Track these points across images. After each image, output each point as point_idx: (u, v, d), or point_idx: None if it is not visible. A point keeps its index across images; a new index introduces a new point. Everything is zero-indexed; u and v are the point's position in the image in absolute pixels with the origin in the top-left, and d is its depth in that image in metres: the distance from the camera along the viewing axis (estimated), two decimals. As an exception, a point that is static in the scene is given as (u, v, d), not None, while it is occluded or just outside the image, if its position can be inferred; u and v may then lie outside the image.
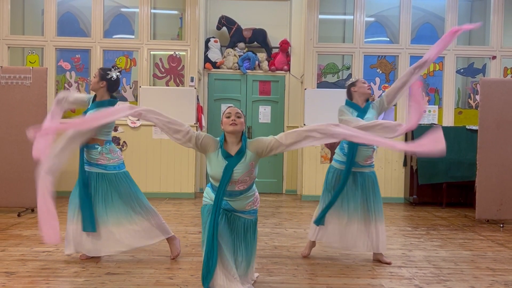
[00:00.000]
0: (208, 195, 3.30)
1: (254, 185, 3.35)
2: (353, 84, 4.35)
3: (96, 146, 4.07)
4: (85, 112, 4.10)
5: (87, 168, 4.12)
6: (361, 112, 4.21)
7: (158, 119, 3.21)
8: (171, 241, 4.24)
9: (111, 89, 4.14)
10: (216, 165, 3.16)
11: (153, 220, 4.13)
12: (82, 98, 4.28)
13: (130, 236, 4.04)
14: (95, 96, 4.18)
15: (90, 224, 3.99)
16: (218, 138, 3.24)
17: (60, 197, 7.43)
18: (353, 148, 4.13)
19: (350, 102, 4.31)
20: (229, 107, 3.26)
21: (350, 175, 4.17)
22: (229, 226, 3.24)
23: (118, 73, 4.16)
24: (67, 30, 8.30)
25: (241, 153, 3.15)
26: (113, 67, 4.17)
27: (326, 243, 4.42)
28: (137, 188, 4.17)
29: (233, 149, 3.18)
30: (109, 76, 4.09)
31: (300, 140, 3.15)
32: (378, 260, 4.26)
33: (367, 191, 4.21)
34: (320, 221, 4.22)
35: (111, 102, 4.09)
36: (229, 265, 3.11)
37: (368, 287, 3.57)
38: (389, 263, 4.19)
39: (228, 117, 3.17)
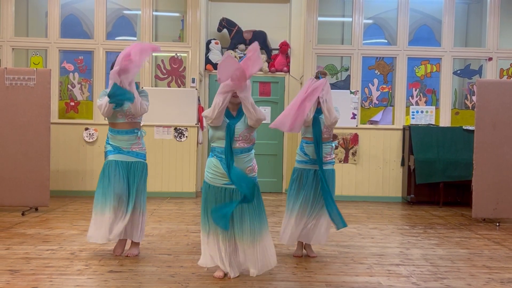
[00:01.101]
0: (211, 164, 3.57)
1: (253, 151, 3.65)
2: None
3: (136, 131, 4.19)
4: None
5: (118, 157, 4.12)
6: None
7: None
8: (135, 245, 4.26)
9: None
10: (220, 125, 3.54)
11: (143, 219, 4.22)
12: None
13: (118, 224, 4.11)
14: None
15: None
16: None
17: (63, 196, 7.44)
18: (318, 146, 4.13)
19: None
20: None
21: (319, 170, 4.13)
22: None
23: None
24: (70, 32, 8.30)
25: (239, 113, 3.59)
26: None
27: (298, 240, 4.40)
28: (146, 183, 4.28)
29: (233, 113, 3.62)
30: None
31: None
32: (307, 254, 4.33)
33: (321, 188, 4.16)
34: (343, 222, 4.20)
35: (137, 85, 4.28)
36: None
37: (366, 285, 3.57)
38: (314, 256, 4.28)
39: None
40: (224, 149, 3.50)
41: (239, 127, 3.54)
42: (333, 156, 4.33)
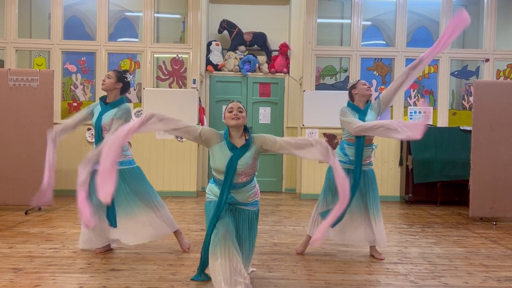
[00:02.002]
0: (212, 191, 3.31)
1: (255, 177, 3.35)
2: (353, 86, 4.34)
3: None
4: (100, 115, 4.13)
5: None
6: (362, 114, 4.19)
7: (165, 126, 3.19)
8: (178, 235, 4.34)
9: (124, 91, 4.27)
10: (220, 157, 3.16)
11: (159, 214, 4.19)
12: (83, 115, 4.23)
13: (141, 228, 4.12)
14: (104, 98, 4.22)
15: (113, 220, 4.06)
16: (221, 132, 3.25)
17: (66, 196, 7.44)
18: (360, 148, 4.11)
19: (351, 104, 4.31)
20: (231, 101, 3.27)
21: (359, 174, 4.12)
22: (234, 220, 3.25)
23: (131, 77, 4.36)
24: (73, 33, 8.30)
25: (247, 146, 3.16)
26: (126, 71, 4.31)
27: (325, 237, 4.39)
28: (147, 182, 4.25)
29: (237, 142, 3.18)
30: (127, 79, 4.24)
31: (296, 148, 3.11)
32: (373, 255, 4.26)
33: (366, 188, 4.19)
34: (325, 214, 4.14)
35: (123, 99, 4.22)
36: (237, 261, 3.05)
37: (365, 283, 3.57)
38: (382, 259, 4.20)
39: (231, 112, 3.18)
40: (221, 182, 3.18)
41: (243, 162, 3.13)
42: (372, 159, 4.28)
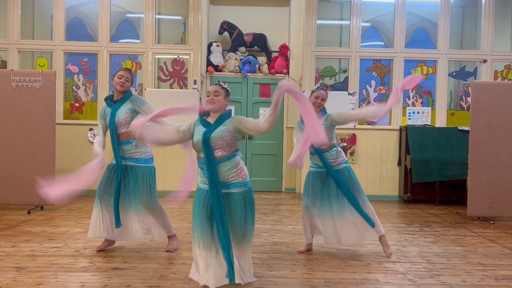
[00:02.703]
0: (199, 177, 3.30)
1: (238, 158, 3.23)
2: (311, 93, 4.27)
3: (131, 141, 4.12)
4: (113, 114, 4.14)
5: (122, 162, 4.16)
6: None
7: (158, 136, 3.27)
8: (171, 238, 4.37)
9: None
10: (197, 134, 3.19)
11: (159, 218, 4.23)
12: (103, 125, 4.26)
13: (138, 227, 4.19)
14: (109, 97, 4.25)
15: (117, 220, 4.11)
16: (196, 119, 3.27)
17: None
18: (320, 155, 4.13)
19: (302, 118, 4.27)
20: (213, 84, 3.27)
21: (335, 174, 4.12)
22: (228, 208, 3.16)
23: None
24: (75, 34, 8.30)
25: (219, 121, 3.18)
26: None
27: (324, 243, 4.39)
28: (155, 185, 4.26)
29: (212, 120, 3.22)
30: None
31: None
32: (384, 251, 4.29)
33: (347, 185, 4.14)
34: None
35: (130, 92, 4.27)
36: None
37: (363, 282, 3.57)
38: (389, 255, 4.26)
39: (208, 96, 3.20)
40: (203, 160, 3.17)
41: (215, 134, 3.13)
42: (342, 157, 4.22)
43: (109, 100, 4.24)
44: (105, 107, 4.25)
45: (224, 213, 3.11)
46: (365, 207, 4.18)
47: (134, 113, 4.14)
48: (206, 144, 3.13)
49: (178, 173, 7.76)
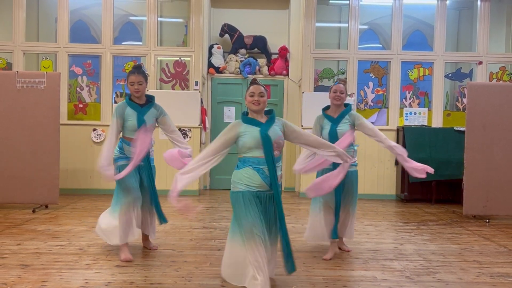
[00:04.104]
0: (241, 180, 3.03)
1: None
2: (330, 89, 4.24)
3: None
4: (141, 117, 3.93)
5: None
6: (334, 123, 4.10)
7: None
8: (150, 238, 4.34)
9: None
10: (250, 135, 3.01)
11: (152, 218, 4.27)
12: (117, 127, 3.95)
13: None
14: (130, 97, 4.00)
15: (161, 216, 4.12)
16: (237, 121, 3.14)
17: (72, 194, 7.43)
18: None
19: (324, 113, 4.23)
20: (252, 84, 3.13)
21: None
22: (264, 210, 3.06)
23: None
24: (79, 37, 8.31)
25: (271, 120, 3.10)
26: (142, 65, 4.19)
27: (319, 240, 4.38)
28: (153, 185, 4.23)
29: (260, 119, 3.10)
30: (147, 74, 4.19)
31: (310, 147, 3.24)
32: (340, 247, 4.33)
33: (348, 188, 4.13)
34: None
35: (153, 98, 4.15)
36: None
37: (361, 279, 3.57)
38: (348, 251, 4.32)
39: (252, 96, 3.09)
40: (262, 159, 2.99)
41: (272, 133, 3.02)
42: (355, 159, 4.16)
43: (134, 102, 3.98)
44: (125, 107, 3.94)
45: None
46: (351, 218, 4.21)
47: (156, 121, 4.09)
48: (268, 142, 2.99)
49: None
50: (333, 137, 4.03)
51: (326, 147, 3.23)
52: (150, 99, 4.09)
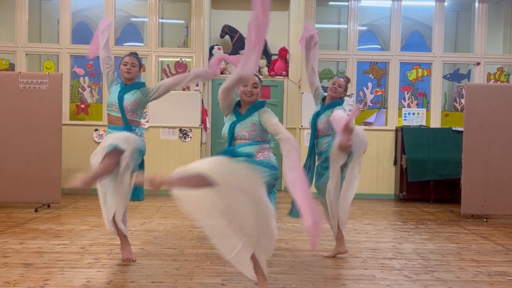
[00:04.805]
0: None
1: (266, 145, 3.03)
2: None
3: (133, 128, 3.85)
4: (121, 94, 3.81)
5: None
6: (321, 110, 4.19)
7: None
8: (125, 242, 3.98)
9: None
10: (226, 124, 3.10)
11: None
12: (108, 53, 4.17)
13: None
14: (121, 83, 3.93)
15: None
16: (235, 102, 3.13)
17: (74, 194, 7.43)
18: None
19: (322, 97, 4.43)
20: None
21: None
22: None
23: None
24: (81, 38, 8.28)
25: (247, 112, 3.02)
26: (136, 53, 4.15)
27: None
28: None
29: (244, 110, 3.08)
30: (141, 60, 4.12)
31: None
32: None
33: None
34: None
35: (144, 83, 4.06)
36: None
37: (361, 278, 3.57)
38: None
39: (245, 86, 3.02)
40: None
41: (239, 126, 3.00)
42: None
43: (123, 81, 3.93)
44: (116, 82, 3.99)
45: None
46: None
47: (141, 105, 3.87)
48: (230, 134, 3.04)
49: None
50: (313, 122, 4.16)
51: (283, 143, 2.82)
52: (141, 83, 3.96)
